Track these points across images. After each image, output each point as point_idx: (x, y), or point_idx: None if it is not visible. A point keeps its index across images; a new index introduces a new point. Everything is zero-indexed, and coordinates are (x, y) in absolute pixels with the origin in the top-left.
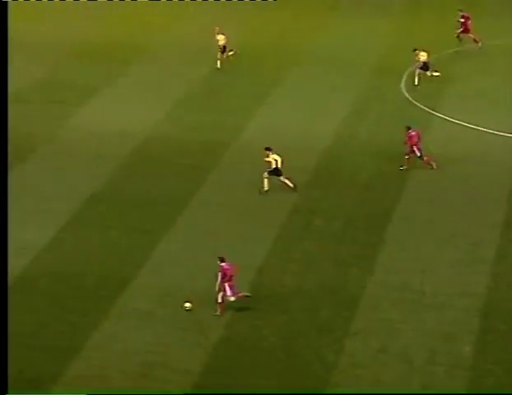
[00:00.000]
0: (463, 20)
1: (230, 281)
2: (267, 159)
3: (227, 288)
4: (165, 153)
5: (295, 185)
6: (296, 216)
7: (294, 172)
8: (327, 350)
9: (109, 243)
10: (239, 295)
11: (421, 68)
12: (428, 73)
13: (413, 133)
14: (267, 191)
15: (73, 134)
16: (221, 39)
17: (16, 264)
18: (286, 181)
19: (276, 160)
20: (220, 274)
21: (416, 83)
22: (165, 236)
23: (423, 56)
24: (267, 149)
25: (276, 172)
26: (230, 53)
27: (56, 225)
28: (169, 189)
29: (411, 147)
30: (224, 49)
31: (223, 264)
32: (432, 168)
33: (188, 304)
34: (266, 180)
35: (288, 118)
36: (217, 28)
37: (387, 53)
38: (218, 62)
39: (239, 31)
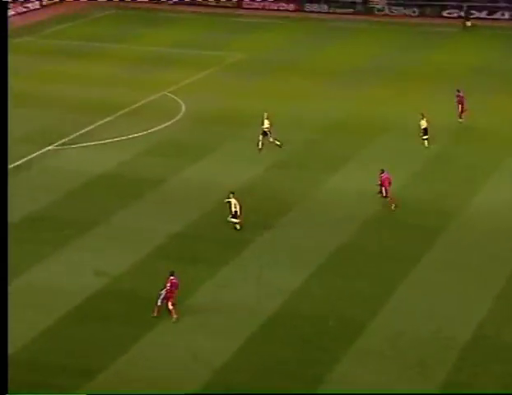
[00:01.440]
0: (458, 98)
1: (172, 292)
2: (228, 200)
3: (162, 295)
4: (401, 214)
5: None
6: None
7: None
8: None
9: (351, 290)
10: (162, 307)
11: (423, 134)
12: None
13: (385, 177)
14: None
15: (324, 195)
16: (266, 123)
17: (268, 306)
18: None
19: (235, 204)
20: (171, 284)
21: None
22: (398, 287)
23: (423, 123)
24: (232, 193)
25: (234, 215)
26: (277, 142)
27: (305, 273)
28: (404, 247)
29: (381, 187)
30: (266, 134)
31: (172, 277)
32: (391, 208)
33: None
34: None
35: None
36: (266, 113)
37: None
38: (260, 143)
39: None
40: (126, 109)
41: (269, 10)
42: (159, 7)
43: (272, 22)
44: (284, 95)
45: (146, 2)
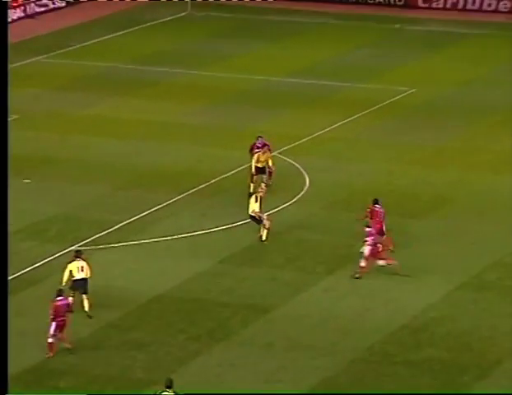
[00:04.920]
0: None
1: (59, 318)
2: None
3: (53, 326)
4: None
5: None
6: None
7: None
8: None
9: None
10: (64, 337)
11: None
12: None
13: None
14: None
15: None
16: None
17: None
18: None
19: None
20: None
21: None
22: None
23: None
24: None
25: None
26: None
27: None
28: None
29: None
30: None
31: (58, 298)
32: None
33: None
34: None
35: None
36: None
37: None
38: None
39: None
40: (207, 183)
41: (465, 10)
42: (264, 5)
43: (467, 33)
44: (487, 163)
45: None
